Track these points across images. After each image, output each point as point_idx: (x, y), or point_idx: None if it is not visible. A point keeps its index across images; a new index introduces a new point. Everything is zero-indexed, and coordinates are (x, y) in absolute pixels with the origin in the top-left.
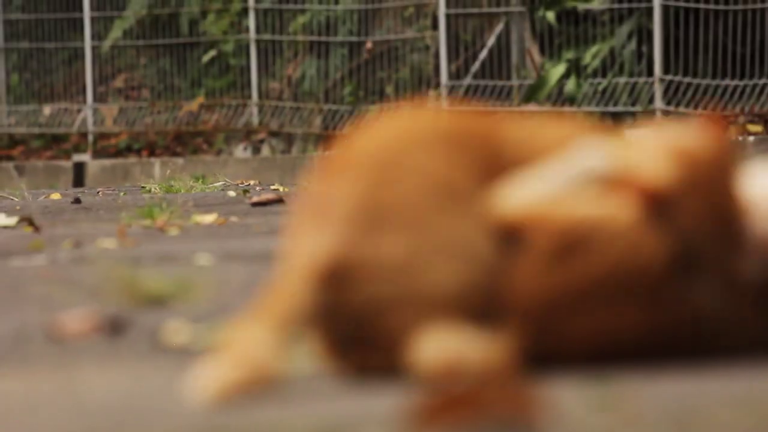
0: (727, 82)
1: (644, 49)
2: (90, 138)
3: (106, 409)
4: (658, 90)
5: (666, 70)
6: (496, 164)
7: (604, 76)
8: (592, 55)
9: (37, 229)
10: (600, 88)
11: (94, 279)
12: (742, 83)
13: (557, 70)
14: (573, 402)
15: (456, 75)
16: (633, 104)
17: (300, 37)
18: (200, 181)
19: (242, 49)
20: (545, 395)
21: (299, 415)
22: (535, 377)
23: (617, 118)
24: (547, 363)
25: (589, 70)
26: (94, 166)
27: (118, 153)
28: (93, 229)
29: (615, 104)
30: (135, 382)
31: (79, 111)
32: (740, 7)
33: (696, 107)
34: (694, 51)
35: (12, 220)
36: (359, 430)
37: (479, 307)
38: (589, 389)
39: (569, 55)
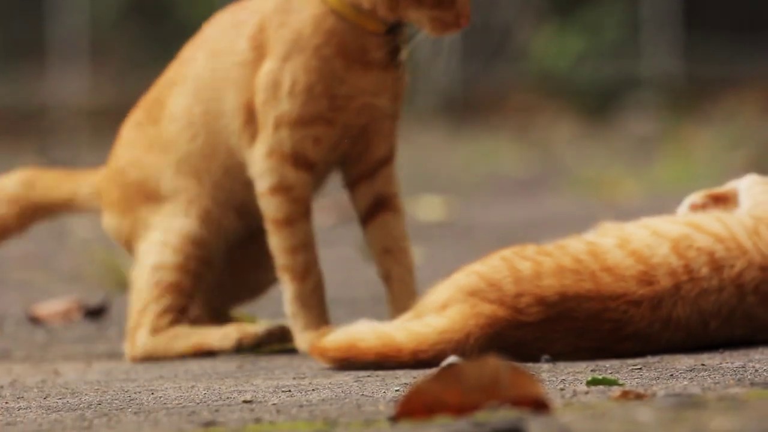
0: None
1: (663, 5)
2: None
3: (84, 389)
4: (674, 48)
5: (684, 26)
6: None
7: (619, 32)
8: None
9: None
10: (614, 43)
11: (74, 264)
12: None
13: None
14: (577, 385)
15: None
16: (650, 64)
17: None
18: None
19: None
20: (545, 379)
21: (287, 404)
22: (533, 363)
23: (636, 78)
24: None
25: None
26: None
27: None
28: (72, 215)
29: (630, 61)
30: (113, 365)
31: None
32: None
33: (716, 66)
34: (714, 3)
35: None
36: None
37: None
38: (591, 372)
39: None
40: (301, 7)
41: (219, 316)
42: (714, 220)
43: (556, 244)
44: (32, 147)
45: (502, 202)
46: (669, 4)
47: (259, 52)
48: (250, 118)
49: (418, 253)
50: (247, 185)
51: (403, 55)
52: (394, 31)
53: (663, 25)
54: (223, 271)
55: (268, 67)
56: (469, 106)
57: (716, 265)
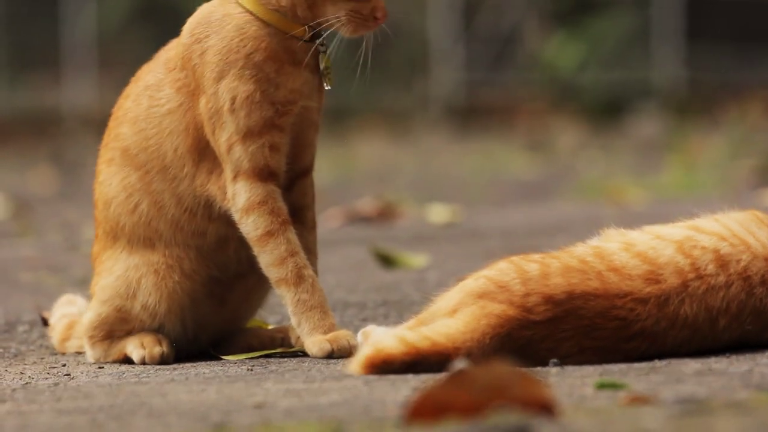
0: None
1: (665, 12)
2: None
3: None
4: (679, 57)
5: (689, 35)
6: None
7: (623, 38)
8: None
9: (25, 217)
10: (617, 52)
11: (86, 268)
12: None
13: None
14: (585, 389)
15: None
16: (656, 73)
17: None
18: None
19: None
20: (553, 383)
21: (297, 407)
22: (542, 367)
23: (642, 86)
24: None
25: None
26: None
27: None
28: (80, 217)
29: (635, 69)
30: (125, 368)
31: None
32: None
33: (720, 74)
34: (718, 12)
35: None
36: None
37: None
38: (599, 376)
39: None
40: (222, 23)
41: (237, 331)
42: (712, 221)
43: (562, 250)
44: (46, 152)
45: (510, 207)
46: (674, 14)
47: (186, 89)
48: (201, 156)
49: (424, 259)
50: (201, 234)
51: (323, 62)
52: (314, 39)
53: (668, 35)
54: (217, 305)
55: (204, 99)
56: (477, 112)
57: (722, 262)
